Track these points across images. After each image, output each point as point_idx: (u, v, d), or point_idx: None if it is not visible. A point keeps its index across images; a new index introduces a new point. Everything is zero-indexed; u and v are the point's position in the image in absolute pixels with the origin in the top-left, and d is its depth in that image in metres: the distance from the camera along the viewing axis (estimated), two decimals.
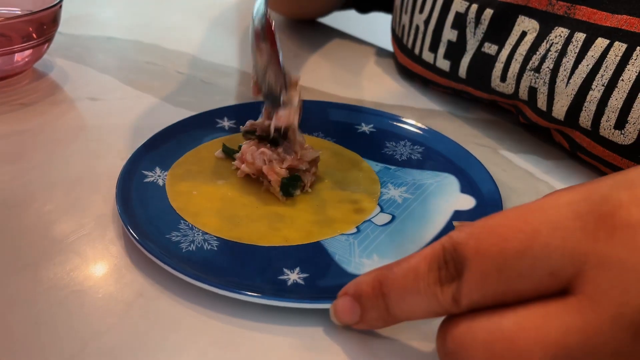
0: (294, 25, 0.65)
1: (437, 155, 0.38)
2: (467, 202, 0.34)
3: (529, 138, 0.43)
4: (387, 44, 0.57)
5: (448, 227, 0.31)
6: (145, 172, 0.34)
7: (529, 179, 0.38)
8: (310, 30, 0.65)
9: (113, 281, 0.27)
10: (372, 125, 0.42)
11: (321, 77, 0.53)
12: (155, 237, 0.29)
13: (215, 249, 0.29)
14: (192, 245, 0.29)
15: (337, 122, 0.42)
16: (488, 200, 0.33)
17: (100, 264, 0.29)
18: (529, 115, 0.40)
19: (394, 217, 0.32)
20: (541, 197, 0.23)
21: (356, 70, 0.55)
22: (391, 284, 0.21)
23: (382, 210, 0.33)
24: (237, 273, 0.28)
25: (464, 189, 0.35)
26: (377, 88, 0.51)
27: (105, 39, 0.59)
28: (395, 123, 0.42)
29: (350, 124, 0.42)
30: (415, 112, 0.46)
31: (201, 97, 0.47)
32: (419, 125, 0.41)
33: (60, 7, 0.47)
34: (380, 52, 0.60)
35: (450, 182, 0.36)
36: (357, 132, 0.41)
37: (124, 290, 0.27)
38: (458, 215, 0.32)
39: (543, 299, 0.18)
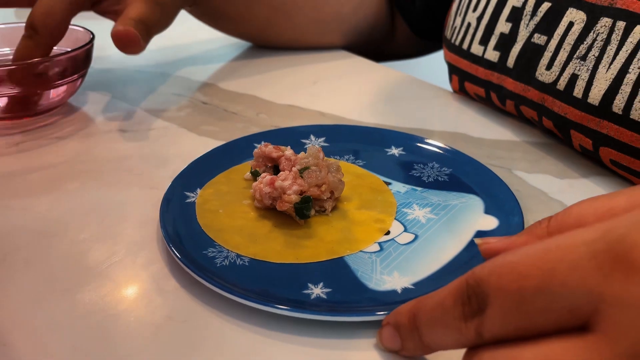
0: (314, 54, 0.68)
1: (463, 176, 0.39)
2: (490, 223, 0.34)
3: (543, 158, 0.44)
4: (409, 70, 0.59)
5: (469, 247, 0.32)
6: (187, 193, 0.37)
7: (543, 199, 0.38)
8: (330, 57, 0.67)
9: (144, 305, 0.29)
10: (401, 148, 0.43)
11: (344, 104, 0.54)
12: (191, 254, 0.31)
13: (247, 264, 0.31)
14: (225, 260, 0.31)
15: (367, 145, 0.44)
16: (511, 221, 0.34)
17: (132, 288, 0.30)
18: (557, 110, 0.41)
19: (416, 237, 0.33)
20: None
21: (373, 96, 0.57)
22: (422, 317, 0.23)
23: (405, 230, 0.34)
24: (265, 286, 0.29)
25: (488, 210, 0.36)
26: (388, 112, 0.52)
27: (134, 71, 0.62)
28: (423, 146, 0.43)
29: (380, 147, 0.43)
30: (428, 133, 0.47)
31: (224, 125, 0.49)
32: (447, 147, 0.42)
33: (93, 44, 0.50)
34: (399, 77, 0.61)
35: (475, 204, 0.36)
36: (387, 154, 0.43)
37: (154, 313, 0.29)
38: (480, 235, 0.33)
39: (563, 333, 0.19)
